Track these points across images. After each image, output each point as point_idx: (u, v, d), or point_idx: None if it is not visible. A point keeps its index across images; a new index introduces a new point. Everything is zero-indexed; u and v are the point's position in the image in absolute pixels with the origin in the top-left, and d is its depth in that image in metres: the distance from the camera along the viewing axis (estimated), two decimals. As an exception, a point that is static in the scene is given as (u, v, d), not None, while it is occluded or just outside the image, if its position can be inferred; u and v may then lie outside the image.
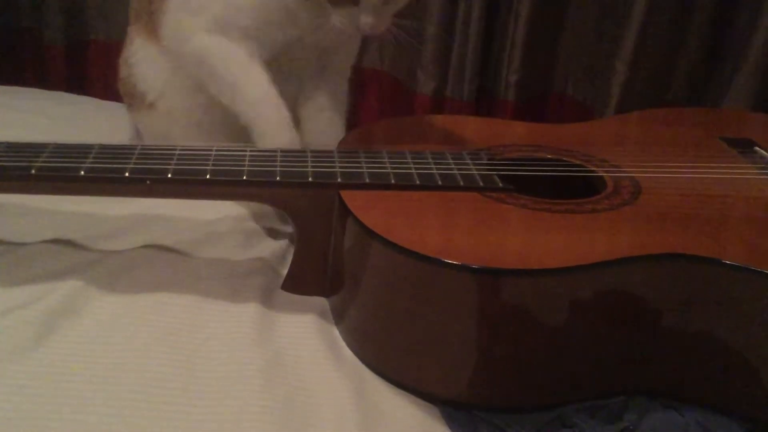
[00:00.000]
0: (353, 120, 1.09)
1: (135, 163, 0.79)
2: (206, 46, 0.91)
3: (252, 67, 0.90)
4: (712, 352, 0.70)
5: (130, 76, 1.05)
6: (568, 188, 0.82)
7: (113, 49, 1.42)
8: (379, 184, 0.79)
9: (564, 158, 0.89)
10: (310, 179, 0.79)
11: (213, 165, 0.80)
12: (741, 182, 0.83)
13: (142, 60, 1.03)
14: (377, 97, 1.42)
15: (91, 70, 1.51)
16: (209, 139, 0.99)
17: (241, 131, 1.00)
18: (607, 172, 0.85)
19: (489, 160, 0.86)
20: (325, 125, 1.01)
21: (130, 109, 1.10)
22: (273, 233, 0.95)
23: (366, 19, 0.84)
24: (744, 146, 0.92)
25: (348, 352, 0.76)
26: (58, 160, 0.79)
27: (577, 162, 0.88)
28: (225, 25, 0.90)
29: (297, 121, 1.00)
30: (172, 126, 1.03)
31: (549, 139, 0.94)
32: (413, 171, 0.81)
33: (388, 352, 0.74)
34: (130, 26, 1.07)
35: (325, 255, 0.81)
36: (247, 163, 0.80)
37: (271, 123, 0.89)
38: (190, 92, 0.99)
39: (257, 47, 0.90)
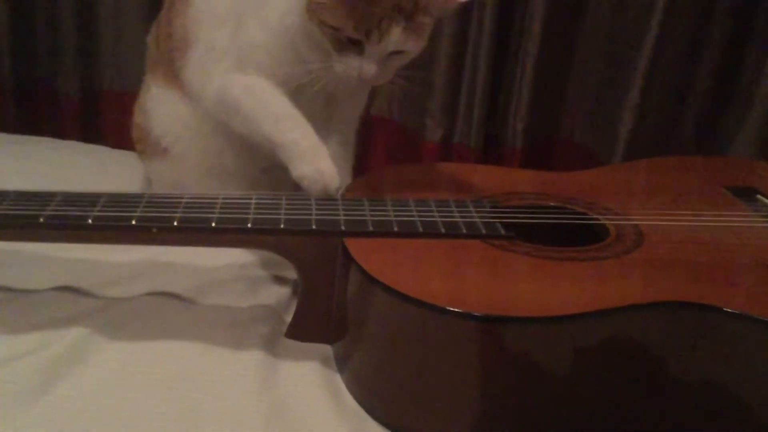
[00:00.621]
0: (361, 167, 1.10)
1: (142, 212, 0.80)
2: (227, 83, 0.93)
3: (273, 92, 0.91)
4: (716, 399, 0.69)
5: (144, 122, 1.07)
6: (571, 236, 0.83)
7: (127, 99, 1.45)
8: (383, 231, 0.79)
9: (567, 206, 0.89)
10: (313, 227, 0.79)
11: (219, 213, 0.81)
12: (743, 230, 0.84)
13: (158, 106, 1.06)
14: (385, 145, 1.43)
15: (105, 119, 1.54)
16: (220, 187, 1.01)
17: (253, 178, 1.02)
18: (610, 219, 0.85)
19: (493, 207, 0.87)
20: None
21: (141, 155, 1.11)
22: (279, 280, 0.95)
23: (369, 69, 0.85)
24: (747, 194, 0.93)
25: (351, 400, 0.75)
26: (67, 208, 0.80)
27: (581, 210, 0.88)
28: (243, 62, 0.93)
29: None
30: (184, 172, 1.04)
31: (553, 187, 0.95)
32: (416, 219, 0.81)
33: (392, 400, 0.74)
34: (147, 75, 1.10)
35: (329, 302, 0.81)
36: (252, 211, 0.81)
37: (302, 145, 0.89)
38: (204, 137, 1.01)
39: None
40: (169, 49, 1.02)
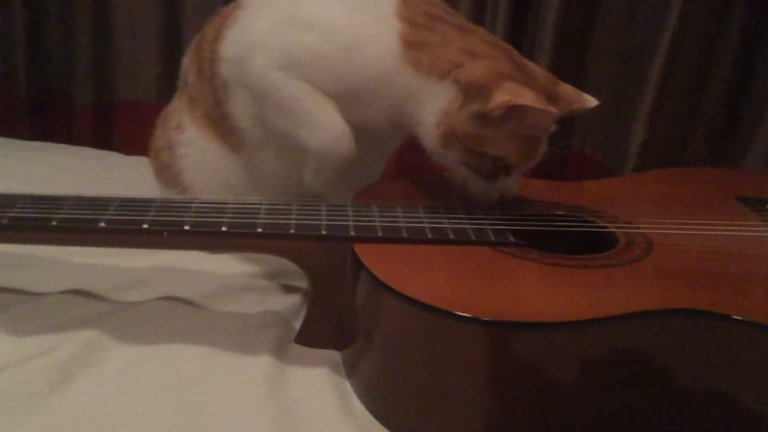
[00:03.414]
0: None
1: (154, 216, 0.80)
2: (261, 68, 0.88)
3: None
4: (726, 408, 0.69)
5: (173, 164, 1.02)
6: (580, 244, 0.83)
7: (140, 108, 1.48)
8: (392, 237, 0.79)
9: (576, 214, 0.89)
10: (323, 232, 0.80)
11: (229, 218, 0.81)
12: (753, 240, 0.83)
13: (194, 154, 1.01)
14: (396, 155, 1.43)
15: (118, 128, 1.56)
16: None
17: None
18: (619, 228, 0.85)
19: (502, 215, 0.87)
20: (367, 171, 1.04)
21: (161, 185, 1.05)
22: (289, 289, 0.96)
23: (513, 187, 0.84)
24: (758, 205, 0.92)
25: (360, 406, 0.75)
26: (79, 212, 0.80)
27: (590, 218, 0.88)
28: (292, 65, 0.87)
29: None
30: None
31: (563, 196, 0.95)
32: (426, 225, 0.82)
33: (400, 405, 0.74)
34: (183, 109, 1.02)
35: (339, 308, 0.81)
36: (262, 216, 0.82)
37: (322, 122, 0.87)
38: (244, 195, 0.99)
39: None
40: (213, 87, 0.96)
